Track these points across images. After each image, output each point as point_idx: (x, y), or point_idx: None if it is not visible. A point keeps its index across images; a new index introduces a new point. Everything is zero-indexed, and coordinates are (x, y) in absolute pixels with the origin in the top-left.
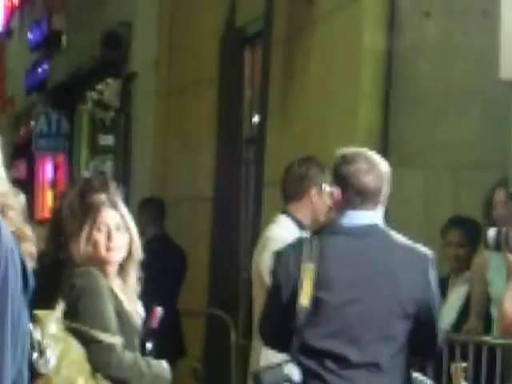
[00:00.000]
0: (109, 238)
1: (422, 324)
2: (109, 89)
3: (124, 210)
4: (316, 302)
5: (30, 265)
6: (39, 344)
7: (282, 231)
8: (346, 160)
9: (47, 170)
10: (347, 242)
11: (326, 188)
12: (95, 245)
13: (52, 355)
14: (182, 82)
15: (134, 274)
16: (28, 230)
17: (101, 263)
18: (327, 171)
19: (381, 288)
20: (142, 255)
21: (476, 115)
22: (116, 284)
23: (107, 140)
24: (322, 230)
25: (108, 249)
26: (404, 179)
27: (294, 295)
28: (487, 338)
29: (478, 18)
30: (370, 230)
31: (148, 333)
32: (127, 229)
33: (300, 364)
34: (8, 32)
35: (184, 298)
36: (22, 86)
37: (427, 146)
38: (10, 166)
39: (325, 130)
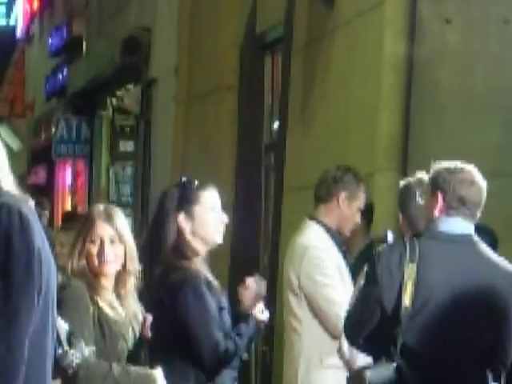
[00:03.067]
0: (102, 250)
1: (500, 343)
2: (129, 95)
3: (121, 222)
4: (418, 304)
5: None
6: None
7: (317, 238)
8: (451, 170)
9: (67, 176)
10: (446, 247)
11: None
12: (88, 257)
13: None
14: (202, 88)
15: (130, 285)
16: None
17: (94, 275)
18: (362, 185)
19: (480, 298)
20: (139, 266)
21: (497, 123)
22: (105, 296)
23: (127, 146)
24: (421, 234)
25: (100, 261)
26: None
27: (398, 297)
28: None
29: (499, 26)
30: (467, 240)
31: (141, 341)
32: (122, 241)
33: (399, 367)
34: (28, 37)
35: None
36: (42, 91)
37: (448, 154)
38: (29, 171)
39: (345, 137)
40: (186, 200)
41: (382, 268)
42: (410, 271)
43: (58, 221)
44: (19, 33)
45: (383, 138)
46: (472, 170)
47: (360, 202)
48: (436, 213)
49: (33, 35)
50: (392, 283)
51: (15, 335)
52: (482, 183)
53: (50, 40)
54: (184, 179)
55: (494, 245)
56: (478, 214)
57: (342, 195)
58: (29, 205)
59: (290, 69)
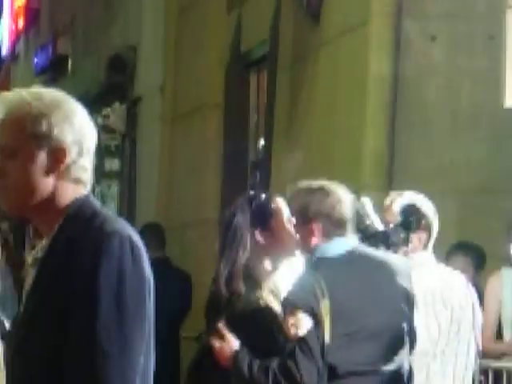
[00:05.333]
0: None
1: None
2: (114, 113)
3: None
4: (336, 336)
5: None
6: None
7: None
8: (309, 191)
9: None
10: (342, 270)
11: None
12: None
13: None
14: (188, 107)
15: None
16: None
17: None
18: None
19: (383, 304)
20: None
21: (482, 139)
22: None
23: (113, 164)
24: (316, 264)
25: None
26: None
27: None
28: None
29: (484, 42)
30: (352, 254)
31: None
32: None
33: None
34: (13, 56)
35: (188, 322)
36: None
37: (433, 171)
38: None
39: (330, 154)
40: (260, 214)
41: (315, 304)
42: (325, 306)
43: None
44: (4, 52)
45: (369, 156)
46: (327, 185)
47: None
48: (313, 241)
49: (18, 54)
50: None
51: (129, 366)
52: (347, 196)
53: (35, 59)
54: (251, 193)
55: (480, 260)
56: (352, 227)
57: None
58: (131, 228)
59: (275, 87)
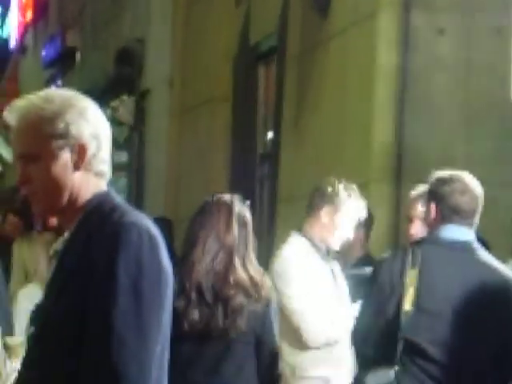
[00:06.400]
0: None
1: (503, 347)
2: (123, 106)
3: None
4: (420, 308)
5: None
6: None
7: (293, 250)
8: (443, 180)
9: None
10: (448, 253)
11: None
12: None
13: None
14: (196, 99)
15: None
16: None
17: None
18: (352, 200)
19: (482, 301)
20: None
21: (491, 132)
22: None
23: (121, 157)
24: (422, 242)
25: None
26: None
27: (399, 302)
28: None
29: (492, 35)
30: (467, 246)
31: None
32: None
33: (405, 370)
34: (22, 49)
35: None
36: None
37: (440, 163)
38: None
39: (339, 147)
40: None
41: (385, 275)
42: (411, 276)
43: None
44: (13, 44)
45: (377, 148)
46: (466, 178)
47: (346, 217)
48: (431, 224)
49: (26, 47)
50: (393, 290)
51: (146, 355)
52: (477, 191)
53: (43, 51)
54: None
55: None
56: (476, 221)
57: (326, 209)
58: (149, 221)
59: (283, 79)
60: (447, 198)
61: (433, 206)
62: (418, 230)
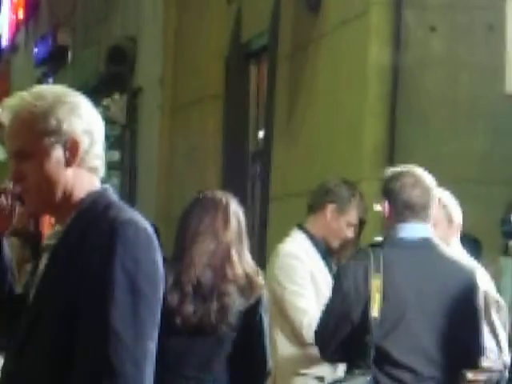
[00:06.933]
0: None
1: (469, 341)
2: (114, 104)
3: None
4: (386, 313)
5: None
6: None
7: (295, 247)
8: (394, 176)
9: None
10: (409, 254)
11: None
12: None
13: None
14: (188, 98)
15: None
16: None
17: None
18: (355, 200)
19: (437, 303)
20: None
21: (482, 130)
22: None
23: (113, 156)
24: (382, 244)
25: None
26: None
27: (366, 308)
28: None
29: (484, 33)
30: (425, 243)
31: None
32: None
33: (378, 378)
34: (13, 47)
35: None
36: None
37: (433, 161)
38: None
39: (331, 145)
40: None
41: (349, 282)
42: (376, 282)
43: (45, 231)
44: (4, 43)
45: (369, 146)
46: (416, 171)
47: (350, 217)
48: (387, 220)
49: (18, 45)
50: (359, 296)
51: (141, 350)
52: (428, 184)
53: (35, 50)
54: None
55: (477, 251)
56: (430, 215)
57: (330, 207)
58: (145, 219)
59: (275, 77)
60: (398, 193)
61: (386, 203)
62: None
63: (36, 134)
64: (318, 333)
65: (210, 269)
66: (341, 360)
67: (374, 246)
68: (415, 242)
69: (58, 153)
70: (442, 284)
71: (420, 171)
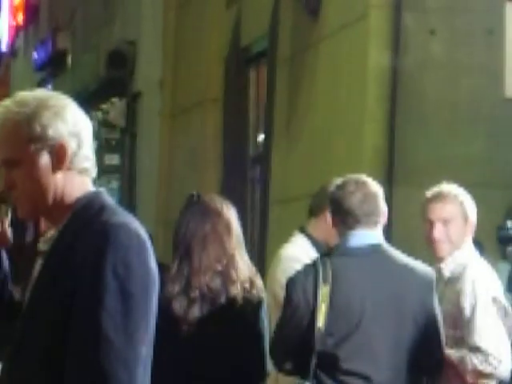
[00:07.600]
0: None
1: (429, 341)
2: (114, 108)
3: None
4: (335, 322)
5: None
6: None
7: (297, 250)
8: (338, 186)
9: None
10: (358, 262)
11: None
12: None
13: None
14: (187, 102)
15: None
16: None
17: None
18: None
19: (391, 308)
20: None
21: (482, 133)
22: None
23: (113, 159)
24: (332, 253)
25: None
26: (409, 197)
27: (313, 318)
28: None
29: (483, 36)
30: (374, 250)
31: None
32: None
33: None
34: (13, 52)
35: None
36: None
37: (433, 164)
38: None
39: (330, 149)
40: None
41: (298, 294)
42: (323, 293)
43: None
44: (4, 47)
45: (368, 150)
46: (360, 179)
47: None
48: (335, 229)
49: (17, 50)
50: (309, 308)
51: (133, 356)
52: (371, 189)
53: (35, 54)
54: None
55: (480, 255)
56: (378, 222)
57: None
58: (138, 223)
59: (274, 81)
60: (340, 202)
61: (328, 213)
62: (442, 233)
63: (22, 141)
64: (272, 345)
65: (218, 274)
66: (294, 371)
67: (323, 255)
68: (363, 249)
69: (45, 158)
70: (394, 289)
71: (365, 178)
